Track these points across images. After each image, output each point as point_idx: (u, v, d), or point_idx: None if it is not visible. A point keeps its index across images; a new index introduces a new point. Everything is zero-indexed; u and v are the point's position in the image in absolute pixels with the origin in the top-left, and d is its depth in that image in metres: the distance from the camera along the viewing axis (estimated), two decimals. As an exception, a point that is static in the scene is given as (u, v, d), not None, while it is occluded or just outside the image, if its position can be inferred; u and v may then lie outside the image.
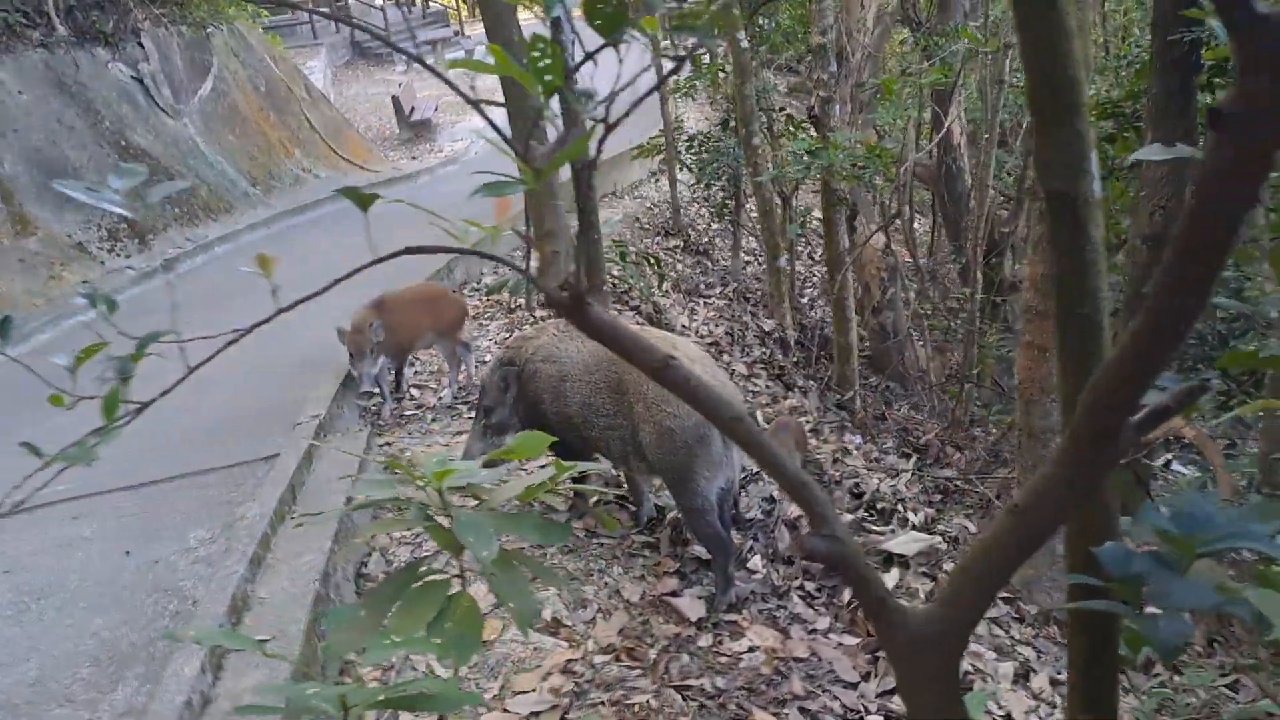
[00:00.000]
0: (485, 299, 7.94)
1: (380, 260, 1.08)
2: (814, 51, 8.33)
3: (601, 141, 1.05)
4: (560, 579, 1.68)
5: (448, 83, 1.15)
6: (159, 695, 2.83)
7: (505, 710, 3.19)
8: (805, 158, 7.39)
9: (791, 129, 10.82)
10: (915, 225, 13.73)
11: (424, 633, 1.51)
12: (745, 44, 8.70)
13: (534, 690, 3.28)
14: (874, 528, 4.71)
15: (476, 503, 1.78)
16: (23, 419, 6.24)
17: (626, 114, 1.01)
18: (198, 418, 5.65)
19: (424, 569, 1.64)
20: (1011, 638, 4.18)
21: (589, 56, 1.06)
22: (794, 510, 4.37)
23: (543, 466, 4.80)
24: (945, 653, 1.15)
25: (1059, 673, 3.83)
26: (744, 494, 4.62)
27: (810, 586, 3.98)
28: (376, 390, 5.64)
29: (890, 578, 4.07)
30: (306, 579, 3.52)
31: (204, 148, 12.96)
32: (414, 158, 17.47)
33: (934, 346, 11.24)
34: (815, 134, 8.27)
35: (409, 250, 1.08)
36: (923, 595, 3.98)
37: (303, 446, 4.62)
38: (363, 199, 1.07)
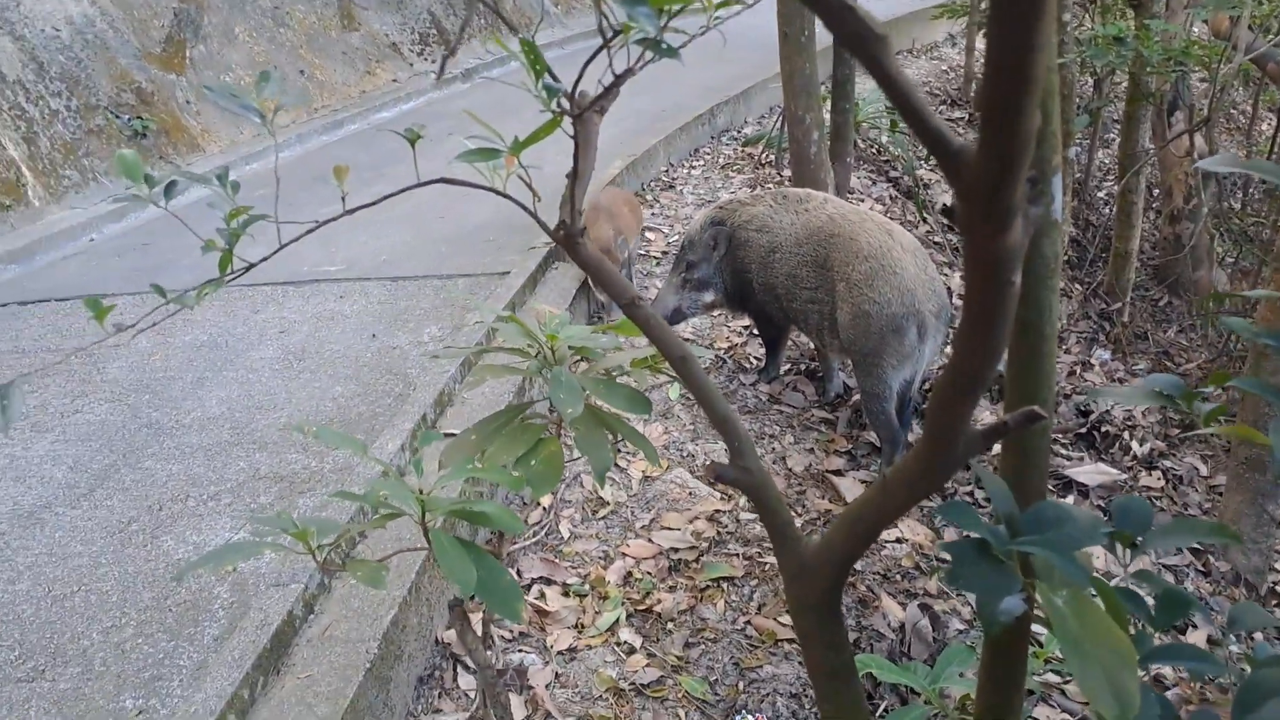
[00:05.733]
0: (740, 149, 7.99)
1: (410, 189, 1.28)
2: (1151, -79, 7.45)
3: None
4: (644, 442, 1.88)
5: None
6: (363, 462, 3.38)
7: (650, 541, 3.53)
8: (1114, 44, 6.75)
9: (1122, 6, 9.78)
10: (1264, 127, 12.11)
11: (512, 464, 1.79)
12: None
13: (679, 530, 3.59)
14: (1063, 452, 4.58)
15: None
16: (321, 197, 7.12)
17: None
18: (457, 226, 6.24)
19: (528, 411, 1.91)
20: (1183, 589, 4.04)
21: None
22: (986, 418, 4.34)
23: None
24: (826, 579, 1.33)
25: (1220, 632, 3.69)
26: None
27: (980, 494, 4.00)
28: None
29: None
30: (505, 390, 3.96)
31: (516, -40, 13.44)
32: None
33: (1238, 269, 10.13)
34: (1134, 18, 7.48)
35: (443, 180, 1.27)
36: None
37: (530, 268, 5.05)
38: (410, 136, 1.26)
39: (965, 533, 1.21)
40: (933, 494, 1.23)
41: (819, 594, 1.31)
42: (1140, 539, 1.24)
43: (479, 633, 1.72)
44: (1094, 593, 1.15)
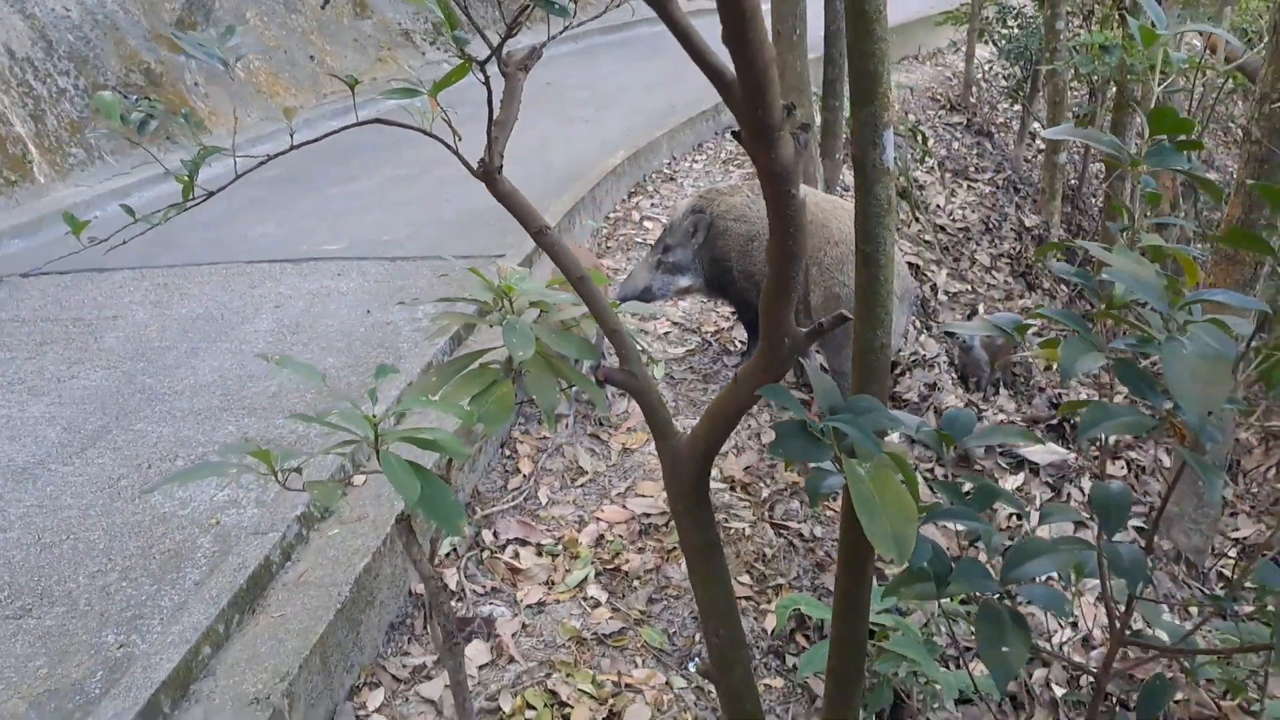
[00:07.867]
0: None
1: (345, 129, 1.40)
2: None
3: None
4: (592, 388, 2.00)
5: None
6: (348, 424, 3.50)
7: (624, 506, 3.65)
8: (1099, 52, 6.88)
9: (1120, 15, 9.91)
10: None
11: (467, 402, 1.91)
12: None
13: (653, 497, 3.71)
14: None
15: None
16: (333, 176, 7.26)
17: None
18: (461, 210, 6.37)
19: (486, 357, 2.03)
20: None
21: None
22: (949, 401, 4.46)
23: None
24: (695, 467, 1.62)
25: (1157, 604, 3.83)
26: (908, 375, 4.73)
27: (939, 472, 4.12)
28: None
29: (1015, 479, 4.21)
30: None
31: (526, -44, 13.59)
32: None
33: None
34: (1121, 28, 7.59)
35: (378, 121, 1.40)
36: (1039, 501, 4.07)
37: (526, 250, 5.17)
38: (349, 81, 1.37)
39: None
40: (775, 380, 1.45)
41: (690, 480, 1.62)
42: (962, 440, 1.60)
43: (424, 549, 1.84)
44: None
